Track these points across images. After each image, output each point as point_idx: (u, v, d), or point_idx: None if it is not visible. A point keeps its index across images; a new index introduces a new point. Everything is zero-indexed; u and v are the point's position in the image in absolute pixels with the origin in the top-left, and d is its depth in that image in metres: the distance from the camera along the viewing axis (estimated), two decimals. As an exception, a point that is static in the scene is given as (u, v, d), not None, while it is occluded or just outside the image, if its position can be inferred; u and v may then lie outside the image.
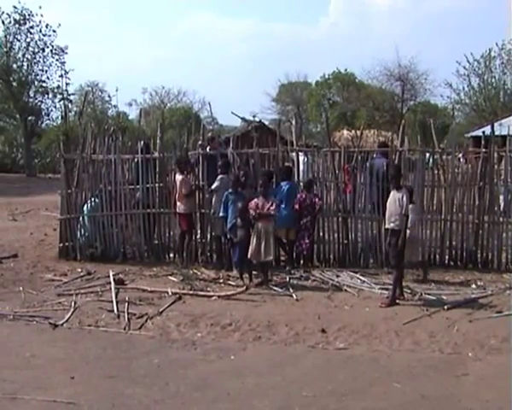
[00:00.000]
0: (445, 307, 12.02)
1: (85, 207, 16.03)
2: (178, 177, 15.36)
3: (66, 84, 49.57)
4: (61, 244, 16.17)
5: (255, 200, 13.50)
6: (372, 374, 8.92)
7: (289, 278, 13.60)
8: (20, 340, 10.17)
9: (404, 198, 12.27)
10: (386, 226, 12.69)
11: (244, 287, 13.04)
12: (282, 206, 14.44)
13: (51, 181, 37.21)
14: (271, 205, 13.42)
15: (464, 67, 52.62)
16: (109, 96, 65.67)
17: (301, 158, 16.30)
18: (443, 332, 10.69)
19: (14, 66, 49.04)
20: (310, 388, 8.39)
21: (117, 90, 71.76)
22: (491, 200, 15.15)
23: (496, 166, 15.44)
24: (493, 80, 53.21)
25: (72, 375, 8.70)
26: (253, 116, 38.55)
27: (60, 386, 8.35)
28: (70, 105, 51.56)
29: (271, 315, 11.54)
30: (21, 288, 13.16)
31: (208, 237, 15.76)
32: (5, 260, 15.78)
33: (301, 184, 15.57)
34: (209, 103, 43.74)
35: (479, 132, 18.86)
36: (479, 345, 10.08)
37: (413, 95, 58.70)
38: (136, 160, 16.08)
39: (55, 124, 50.86)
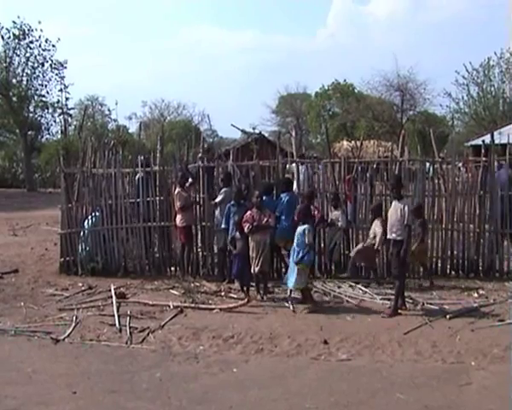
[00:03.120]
0: (448, 316, 12.00)
1: (86, 223, 16.01)
2: (176, 190, 15.39)
3: (66, 98, 49.70)
4: (62, 259, 16.18)
5: (250, 212, 13.50)
6: (375, 385, 8.89)
7: (290, 290, 13.56)
8: (22, 355, 10.15)
9: (406, 208, 12.27)
10: (388, 237, 12.68)
11: (246, 299, 13.02)
12: (283, 217, 14.40)
13: (51, 196, 37.21)
14: (269, 217, 13.42)
15: (463, 77, 52.75)
16: (109, 110, 65.97)
17: (301, 169, 16.30)
18: (445, 342, 10.67)
19: (14, 81, 49.10)
20: (312, 400, 8.37)
21: (116, 104, 72.26)
22: (491, 208, 15.14)
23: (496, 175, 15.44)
24: (492, 89, 53.26)
25: (74, 390, 8.69)
26: (253, 128, 38.65)
27: (62, 401, 8.34)
28: (70, 119, 51.70)
29: (273, 327, 11.52)
30: (22, 303, 13.16)
31: (209, 249, 15.75)
32: (6, 276, 15.79)
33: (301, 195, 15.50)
34: (208, 116, 43.89)
35: (478, 141, 18.87)
36: (481, 354, 10.06)
37: (412, 105, 58.70)
38: (137, 176, 16.09)
39: (54, 138, 50.93)
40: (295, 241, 12.87)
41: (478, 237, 15.18)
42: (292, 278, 12.83)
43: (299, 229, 12.87)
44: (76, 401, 8.38)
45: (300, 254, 12.67)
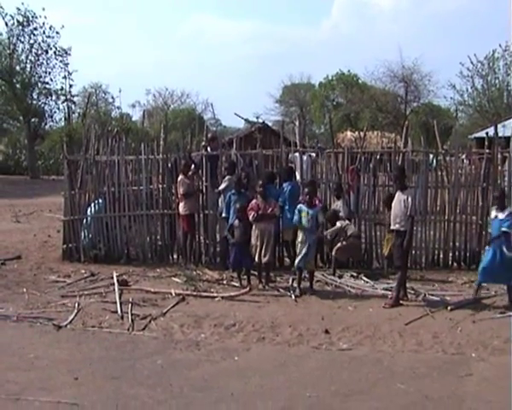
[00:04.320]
0: (449, 307, 12.02)
1: (89, 210, 16.04)
2: (179, 177, 15.43)
3: (70, 85, 49.64)
4: (65, 245, 16.22)
5: (255, 200, 13.51)
6: (376, 375, 8.92)
7: (293, 279, 13.55)
8: (24, 341, 10.17)
9: (409, 199, 12.28)
10: (391, 227, 12.70)
11: (247, 288, 13.04)
12: (286, 207, 14.40)
13: (55, 183, 37.19)
14: (274, 206, 13.44)
15: (468, 69, 52.58)
16: (113, 98, 65.89)
17: (304, 159, 16.28)
18: (446, 333, 10.69)
19: (18, 68, 48.99)
20: (313, 388, 8.40)
21: (120, 92, 72.18)
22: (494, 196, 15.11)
23: (499, 167, 15.41)
24: (497, 81, 53.14)
25: (75, 376, 8.72)
26: (257, 117, 38.52)
27: (63, 387, 8.37)
28: (73, 107, 51.63)
29: (275, 316, 11.55)
30: (25, 289, 13.20)
31: (212, 238, 15.80)
32: (9, 262, 15.82)
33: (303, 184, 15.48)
34: (211, 104, 43.78)
35: (482, 134, 18.80)
36: (482, 346, 10.08)
37: (416, 96, 58.63)
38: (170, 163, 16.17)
39: (58, 126, 50.93)
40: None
41: (480, 229, 15.15)
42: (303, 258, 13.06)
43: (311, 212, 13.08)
44: (77, 386, 8.41)
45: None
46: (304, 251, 13.01)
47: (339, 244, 14.44)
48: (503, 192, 13.11)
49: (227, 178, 15.01)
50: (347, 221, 14.60)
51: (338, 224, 14.46)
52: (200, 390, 8.34)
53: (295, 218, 13.28)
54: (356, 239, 14.77)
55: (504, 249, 12.08)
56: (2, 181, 42.66)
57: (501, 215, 12.27)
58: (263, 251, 13.33)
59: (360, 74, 66.81)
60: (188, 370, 9.04)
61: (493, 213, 12.56)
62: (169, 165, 16.15)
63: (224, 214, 14.62)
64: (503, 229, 12.11)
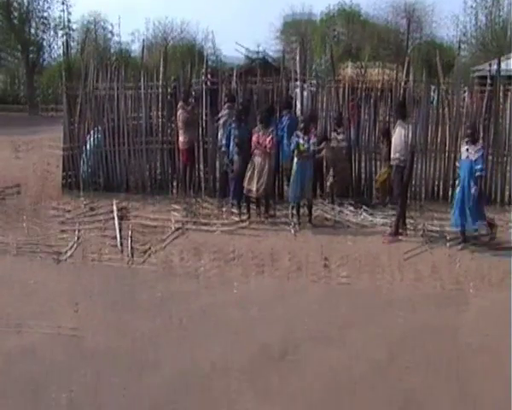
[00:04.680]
0: (448, 243, 11.99)
1: (88, 145, 15.96)
2: (178, 107, 15.33)
3: (68, 13, 48.88)
4: (64, 173, 16.23)
5: (255, 134, 13.42)
6: (374, 306, 9.01)
7: (292, 214, 13.52)
8: (24, 274, 10.21)
9: (410, 133, 12.19)
10: (391, 163, 12.64)
11: (247, 221, 13.07)
12: (285, 141, 14.32)
13: (54, 119, 36.87)
14: (271, 139, 13.31)
15: (472, 6, 51.68)
16: (111, 25, 64.75)
17: (305, 94, 16.12)
18: (445, 268, 10.70)
19: (15, 4, 48.16)
20: (312, 320, 8.48)
21: (119, 19, 71.13)
22: (495, 136, 15.02)
23: (501, 104, 15.26)
24: (501, 20, 52.28)
25: (75, 308, 8.77)
26: (258, 46, 38.12)
27: (64, 318, 8.41)
28: (72, 41, 50.99)
29: (274, 250, 11.55)
30: (24, 224, 13.17)
31: (212, 170, 15.75)
32: (8, 197, 15.75)
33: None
34: (212, 32, 43.23)
35: (484, 72, 18.52)
36: (480, 281, 10.12)
37: (419, 29, 57.91)
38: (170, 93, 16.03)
39: (56, 59, 50.35)
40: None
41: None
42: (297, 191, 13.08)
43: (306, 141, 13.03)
44: (77, 318, 8.47)
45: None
46: (299, 182, 13.00)
47: (330, 179, 14.40)
48: (475, 127, 12.76)
49: (227, 105, 14.90)
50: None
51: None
52: (199, 321, 8.42)
53: (291, 147, 13.25)
54: (345, 170, 14.79)
55: (472, 190, 11.64)
56: (1, 118, 42.35)
57: (472, 155, 11.73)
58: (258, 185, 13.28)
59: (362, 5, 66.00)
60: (187, 301, 9.09)
61: (464, 151, 11.96)
62: (168, 96, 16.00)
63: (223, 148, 14.51)
64: (478, 174, 11.70)
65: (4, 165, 20.57)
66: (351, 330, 8.18)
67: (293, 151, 13.17)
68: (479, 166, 11.69)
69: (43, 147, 25.81)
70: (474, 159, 11.66)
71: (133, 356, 7.49)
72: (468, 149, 11.82)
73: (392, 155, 12.54)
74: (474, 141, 11.86)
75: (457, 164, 12.80)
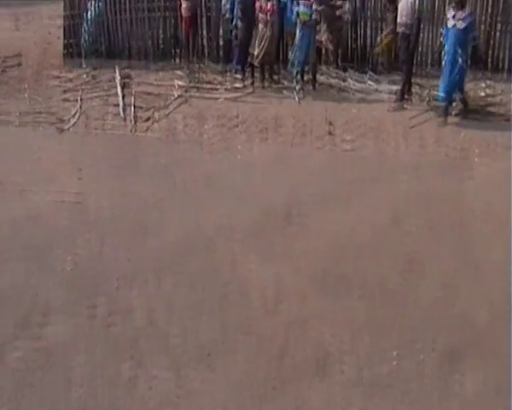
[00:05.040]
0: (453, 112, 11.74)
1: (89, 13, 15.58)
2: None
3: None
4: (65, 41, 15.93)
5: (258, 3, 13.07)
6: (378, 172, 8.99)
7: (296, 81, 13.28)
8: (27, 143, 10.19)
9: (417, 1, 11.86)
10: (398, 30, 12.35)
11: (250, 87, 12.99)
12: (289, 7, 13.90)
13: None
14: (271, 5, 12.97)
15: None
16: None
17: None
18: (450, 138, 10.55)
19: None
20: (316, 185, 8.48)
21: None
22: (504, 4, 14.56)
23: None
24: None
25: (79, 175, 8.78)
26: None
27: (67, 185, 8.45)
28: None
29: (278, 117, 11.43)
30: (27, 95, 12.95)
31: (216, 37, 15.41)
32: (9, 69, 15.47)
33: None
34: None
35: None
36: (485, 151, 10.00)
37: None
38: None
39: None
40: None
41: (488, 35, 14.64)
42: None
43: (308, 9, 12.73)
44: (81, 184, 8.52)
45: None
46: (304, 48, 12.78)
47: (325, 35, 14.08)
48: None
49: None
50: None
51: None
52: (204, 186, 8.47)
53: (292, 17, 13.01)
54: (340, 31, 14.38)
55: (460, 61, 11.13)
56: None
57: (459, 23, 10.99)
58: (261, 53, 13.01)
59: None
60: (191, 168, 9.10)
61: (450, 19, 11.18)
62: None
63: (227, 14, 14.14)
64: (473, 43, 11.37)
65: (4, 36, 20.22)
66: (355, 195, 8.20)
67: (295, 20, 12.86)
68: (472, 35, 11.26)
69: (43, 18, 25.35)
70: (461, 27, 11.01)
71: (137, 221, 7.55)
72: (454, 16, 11.11)
73: (398, 21, 12.24)
74: (460, 6, 11.13)
75: (442, 31, 12.21)
